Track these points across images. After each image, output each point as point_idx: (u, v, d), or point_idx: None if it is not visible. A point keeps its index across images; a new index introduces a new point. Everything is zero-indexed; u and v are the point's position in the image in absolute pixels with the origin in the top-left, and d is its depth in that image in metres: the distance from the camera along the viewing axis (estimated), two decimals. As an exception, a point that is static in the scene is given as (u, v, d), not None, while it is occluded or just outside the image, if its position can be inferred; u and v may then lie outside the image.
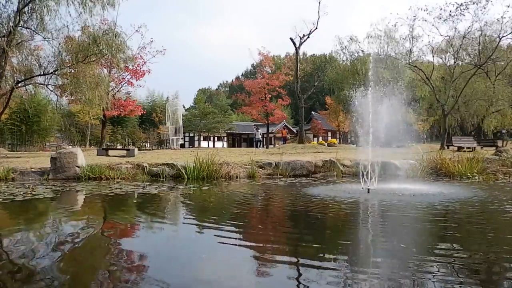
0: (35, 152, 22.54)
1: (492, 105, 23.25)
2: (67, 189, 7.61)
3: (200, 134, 40.39)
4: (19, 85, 15.83)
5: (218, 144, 41.54)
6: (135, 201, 6.31)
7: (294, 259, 2.92)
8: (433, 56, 22.49)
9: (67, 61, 15.01)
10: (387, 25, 22.62)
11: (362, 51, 25.92)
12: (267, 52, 32.89)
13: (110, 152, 14.82)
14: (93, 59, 14.85)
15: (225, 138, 44.96)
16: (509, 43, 21.80)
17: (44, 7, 13.69)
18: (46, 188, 7.46)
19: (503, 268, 2.65)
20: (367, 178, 6.83)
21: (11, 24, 13.65)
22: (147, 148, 39.57)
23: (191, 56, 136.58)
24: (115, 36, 14.96)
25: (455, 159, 10.90)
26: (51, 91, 16.58)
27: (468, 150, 17.06)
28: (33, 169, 9.73)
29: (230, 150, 19.50)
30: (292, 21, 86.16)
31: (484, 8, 18.39)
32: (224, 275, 2.59)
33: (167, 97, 45.94)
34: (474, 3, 18.53)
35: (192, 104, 66.51)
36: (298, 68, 27.82)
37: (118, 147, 28.54)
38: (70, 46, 14.84)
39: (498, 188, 7.56)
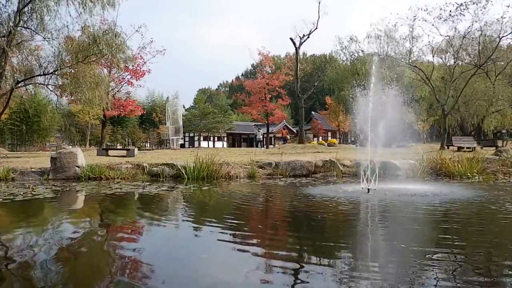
0: (35, 152, 22.54)
1: (492, 105, 23.24)
2: (67, 189, 7.61)
3: (200, 134, 40.39)
4: (19, 85, 15.83)
5: (218, 144, 41.54)
6: (135, 201, 6.31)
7: (293, 260, 2.91)
8: (433, 56, 22.52)
9: (67, 61, 15.01)
10: (387, 25, 22.64)
11: (362, 51, 25.91)
12: (267, 52, 32.91)
13: (110, 152, 14.82)
14: (93, 59, 14.85)
15: (225, 138, 44.95)
16: (509, 43, 21.81)
17: (44, 7, 13.69)
18: (46, 188, 7.46)
19: (504, 268, 2.65)
20: (367, 178, 6.83)
21: (11, 24, 13.65)
22: (147, 148, 39.57)
23: (191, 56, 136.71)
24: (115, 36, 14.95)
25: (455, 159, 10.90)
26: (51, 91, 16.59)
27: (468, 150, 17.06)
28: (33, 169, 9.73)
29: (230, 150, 19.50)
30: (292, 21, 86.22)
31: (484, 8, 18.40)
32: (223, 275, 2.59)
33: (167, 97, 45.98)
34: (474, 3, 18.54)
35: (192, 104, 66.54)
36: (298, 68, 27.82)
37: (118, 147, 28.53)
38: (70, 46, 14.84)
39: (498, 188, 7.55)
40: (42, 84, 15.96)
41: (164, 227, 4.29)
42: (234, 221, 4.56)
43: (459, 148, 17.89)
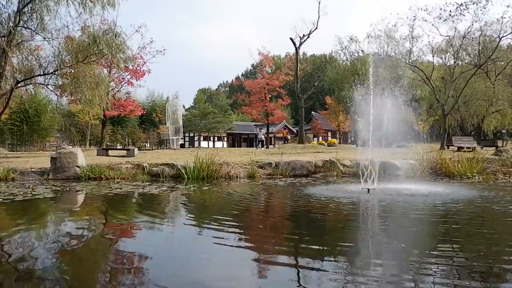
0: (35, 152, 22.54)
1: (492, 105, 23.24)
2: (67, 189, 7.60)
3: (200, 134, 40.39)
4: (19, 85, 15.84)
5: (218, 144, 41.55)
6: (135, 201, 6.31)
7: (293, 260, 2.92)
8: (433, 56, 22.53)
9: (67, 61, 15.02)
10: (387, 25, 22.67)
11: (362, 51, 25.96)
12: (267, 52, 32.96)
13: (110, 152, 14.83)
14: (93, 59, 14.85)
15: (225, 138, 44.96)
16: (509, 43, 21.82)
17: (44, 7, 13.69)
18: (46, 188, 7.46)
19: (504, 268, 2.65)
20: (367, 178, 6.83)
21: (11, 24, 13.65)
22: (147, 148, 39.57)
23: (191, 56, 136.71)
24: (115, 36, 14.96)
25: (455, 159, 10.89)
26: (51, 91, 16.61)
27: (468, 150, 17.06)
28: (33, 169, 9.73)
29: (230, 150, 19.50)
30: (292, 21, 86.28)
31: (484, 8, 18.40)
32: (223, 275, 2.59)
33: (167, 97, 45.99)
34: (474, 3, 18.54)
35: (192, 104, 66.55)
36: (298, 68, 27.83)
37: (118, 147, 28.54)
38: (70, 46, 14.85)
39: (498, 188, 7.55)
40: (42, 84, 15.97)
41: (164, 227, 4.29)
42: (234, 221, 4.55)
43: (459, 148, 17.89)
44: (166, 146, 36.04)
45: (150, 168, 10.10)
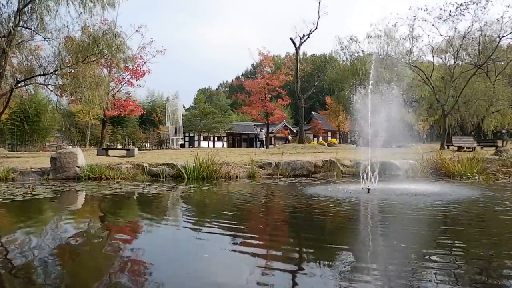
0: (35, 152, 22.54)
1: (492, 105, 23.24)
2: (67, 189, 7.61)
3: (200, 134, 40.39)
4: (19, 85, 15.85)
5: (218, 144, 41.54)
6: (135, 201, 6.31)
7: (293, 260, 2.92)
8: (433, 56, 22.53)
9: (67, 61, 15.02)
10: (387, 25, 22.67)
11: (362, 51, 25.94)
12: (267, 52, 32.95)
13: (110, 152, 14.83)
14: (93, 59, 14.86)
15: (225, 138, 44.96)
16: (509, 43, 21.82)
17: (44, 7, 13.70)
18: (46, 188, 7.46)
19: (504, 269, 2.65)
20: (367, 178, 6.83)
21: (11, 24, 13.65)
22: (147, 148, 39.57)
23: (191, 56, 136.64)
24: (115, 36, 14.96)
25: (455, 159, 10.89)
26: (51, 91, 16.61)
27: (468, 150, 17.05)
28: (33, 169, 9.73)
29: (230, 150, 19.50)
30: (292, 21, 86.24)
31: (484, 8, 18.40)
32: (223, 275, 2.59)
33: (167, 97, 45.97)
34: (474, 3, 18.54)
35: (192, 104, 66.53)
36: (298, 68, 27.82)
37: (118, 147, 28.54)
38: (70, 46, 14.85)
39: (498, 188, 7.56)
40: (42, 84, 15.98)
41: (164, 227, 4.29)
42: (234, 221, 4.55)
43: (459, 148, 17.89)
44: (166, 146, 36.04)
45: (150, 168, 10.10)
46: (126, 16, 49.77)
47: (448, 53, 21.87)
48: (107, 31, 15.03)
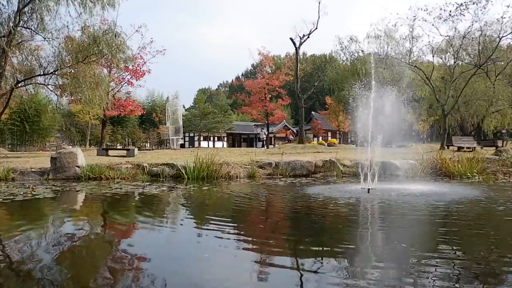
0: (35, 152, 22.53)
1: (492, 105, 23.23)
2: (67, 189, 7.61)
3: (200, 134, 40.38)
4: (19, 85, 15.83)
5: (218, 144, 41.53)
6: (135, 201, 6.31)
7: (293, 261, 2.92)
8: (433, 56, 22.52)
9: (67, 61, 15.01)
10: (387, 25, 22.67)
11: (362, 51, 25.94)
12: (267, 52, 32.97)
13: (110, 152, 14.82)
14: (93, 59, 14.85)
15: (225, 138, 44.95)
16: (509, 43, 21.81)
17: (44, 7, 13.70)
18: (46, 188, 7.46)
19: (504, 269, 2.65)
20: (367, 178, 6.83)
21: (11, 24, 13.65)
22: (147, 148, 39.55)
23: (191, 56, 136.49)
24: (115, 36, 14.96)
25: (455, 159, 10.89)
26: (51, 91, 16.60)
27: (468, 150, 17.05)
28: (33, 169, 9.73)
29: (230, 150, 19.50)
30: (292, 21, 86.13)
31: (484, 8, 18.39)
32: (224, 275, 2.59)
33: (167, 97, 45.93)
34: (474, 3, 18.52)
35: (192, 104, 66.50)
36: (298, 68, 27.82)
37: (118, 147, 28.52)
38: (70, 46, 14.85)
39: (498, 188, 7.56)
40: (42, 84, 15.97)
41: (164, 227, 4.29)
42: (234, 221, 4.56)
43: (459, 148, 17.88)
44: (166, 146, 36.03)
45: (150, 168, 10.10)
46: (126, 16, 49.75)
47: (448, 53, 21.87)
48: (107, 31, 15.03)
